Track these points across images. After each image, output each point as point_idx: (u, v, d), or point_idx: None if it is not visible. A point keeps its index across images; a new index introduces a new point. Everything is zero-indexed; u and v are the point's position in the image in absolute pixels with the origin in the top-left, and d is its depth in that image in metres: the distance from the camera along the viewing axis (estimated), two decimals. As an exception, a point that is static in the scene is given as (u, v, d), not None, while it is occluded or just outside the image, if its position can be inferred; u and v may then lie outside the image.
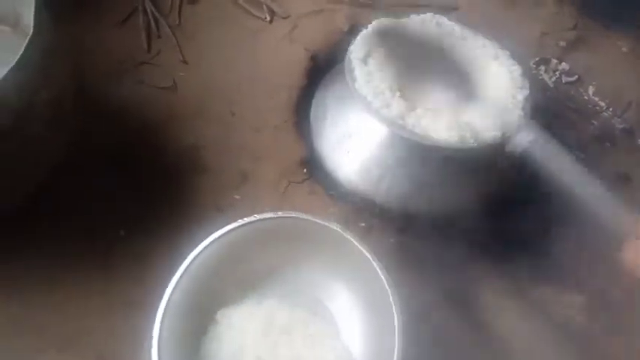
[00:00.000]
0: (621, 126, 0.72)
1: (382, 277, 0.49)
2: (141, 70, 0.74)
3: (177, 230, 0.58)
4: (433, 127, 0.53)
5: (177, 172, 0.64)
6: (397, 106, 0.54)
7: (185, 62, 0.75)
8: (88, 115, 0.62)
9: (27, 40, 0.45)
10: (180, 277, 0.49)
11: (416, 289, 0.58)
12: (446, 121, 0.53)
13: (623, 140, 0.71)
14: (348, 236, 0.51)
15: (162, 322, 0.46)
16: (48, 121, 0.51)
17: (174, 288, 0.48)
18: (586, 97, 0.75)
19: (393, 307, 0.47)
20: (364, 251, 0.50)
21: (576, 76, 0.75)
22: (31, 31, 0.45)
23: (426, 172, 0.57)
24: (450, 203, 0.58)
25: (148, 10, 0.79)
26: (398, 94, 0.55)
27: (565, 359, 0.57)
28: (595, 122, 0.72)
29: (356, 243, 0.50)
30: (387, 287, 0.48)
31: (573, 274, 0.67)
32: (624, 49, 0.75)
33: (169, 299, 0.48)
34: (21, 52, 0.44)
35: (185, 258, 0.50)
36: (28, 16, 0.48)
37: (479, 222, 0.63)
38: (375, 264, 0.49)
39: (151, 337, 0.46)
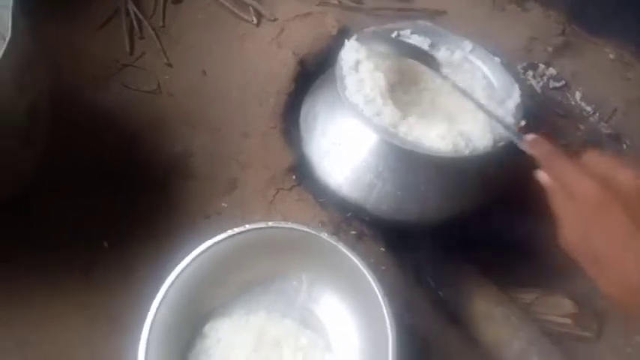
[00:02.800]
0: (607, 131, 0.73)
1: (374, 286, 0.48)
2: (124, 73, 0.71)
3: (164, 240, 0.57)
4: (426, 135, 0.53)
5: (163, 181, 0.62)
6: (389, 114, 0.53)
7: (170, 65, 0.73)
8: (67, 123, 0.60)
9: (4, 47, 0.42)
10: (167, 290, 0.47)
11: (406, 298, 0.58)
12: (439, 130, 0.53)
13: (609, 145, 0.72)
14: (340, 246, 0.49)
15: (148, 339, 0.45)
16: (25, 131, 0.49)
17: (161, 302, 0.47)
18: (573, 103, 0.75)
19: (387, 318, 0.46)
20: (356, 261, 0.49)
21: (563, 82, 0.75)
22: (9, 36, 0.43)
23: (417, 180, 0.56)
24: (440, 211, 0.58)
25: (131, 12, 0.76)
26: (390, 101, 0.55)
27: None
28: (582, 127, 0.73)
29: (347, 252, 0.49)
30: (379, 297, 0.47)
31: (560, 278, 0.67)
32: (611, 56, 0.75)
33: (156, 314, 0.46)
34: (-2, 58, 0.42)
35: (172, 270, 0.48)
36: (5, 21, 0.45)
37: (469, 229, 0.62)
38: (366, 273, 0.48)
39: (136, 355, 0.44)
